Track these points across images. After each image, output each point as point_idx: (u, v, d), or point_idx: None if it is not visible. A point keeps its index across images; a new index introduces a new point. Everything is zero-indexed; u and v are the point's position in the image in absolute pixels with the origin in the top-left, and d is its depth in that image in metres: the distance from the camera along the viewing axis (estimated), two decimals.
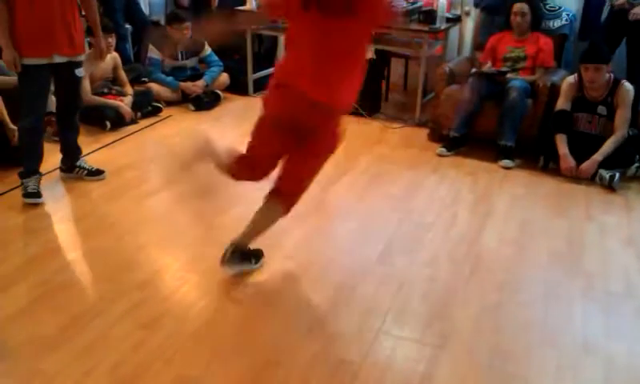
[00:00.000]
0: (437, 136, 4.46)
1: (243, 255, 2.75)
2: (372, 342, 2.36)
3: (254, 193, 3.60)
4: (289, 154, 2.62)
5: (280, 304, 2.61)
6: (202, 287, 2.70)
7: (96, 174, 3.70)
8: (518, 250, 3.07)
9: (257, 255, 2.83)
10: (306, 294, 2.67)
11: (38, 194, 3.36)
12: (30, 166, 3.39)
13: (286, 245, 3.06)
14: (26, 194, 3.35)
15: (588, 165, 3.80)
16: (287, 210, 2.70)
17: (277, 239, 3.08)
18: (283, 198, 2.67)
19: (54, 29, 3.16)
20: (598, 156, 3.80)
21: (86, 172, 3.69)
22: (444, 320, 2.51)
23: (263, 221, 2.73)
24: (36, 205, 3.34)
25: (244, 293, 2.66)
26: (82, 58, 3.41)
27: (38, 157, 3.42)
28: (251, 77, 5.48)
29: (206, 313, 2.51)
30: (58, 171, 3.74)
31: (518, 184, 3.82)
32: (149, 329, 2.39)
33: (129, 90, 4.73)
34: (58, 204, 3.48)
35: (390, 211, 3.45)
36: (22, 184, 3.39)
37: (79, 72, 3.42)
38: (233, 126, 4.79)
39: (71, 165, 3.68)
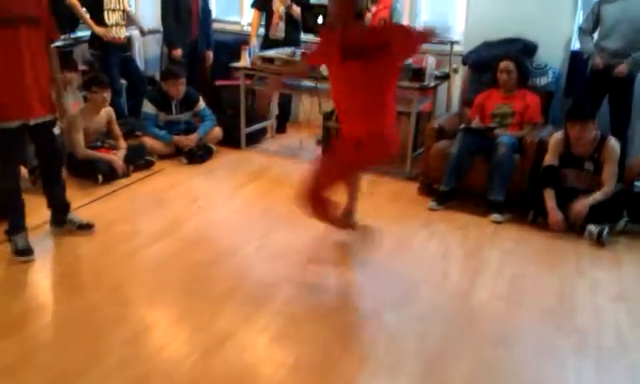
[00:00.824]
0: (427, 190, 4.50)
1: None
2: None
3: (247, 245, 3.62)
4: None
5: (270, 363, 2.58)
6: (191, 343, 2.67)
7: (86, 227, 3.68)
8: (509, 305, 3.06)
9: None
10: (297, 351, 2.64)
11: (29, 251, 3.33)
12: (14, 222, 3.36)
13: (276, 298, 3.04)
14: (18, 252, 3.31)
15: (580, 206, 3.84)
16: None
17: (268, 292, 3.07)
18: None
19: (26, 91, 3.13)
20: (590, 199, 3.85)
21: (76, 226, 3.67)
22: (437, 377, 2.48)
23: None
24: (26, 261, 3.30)
25: (233, 352, 2.62)
26: (55, 116, 3.39)
27: (21, 213, 3.37)
28: (244, 131, 5.54)
29: (194, 371, 2.47)
30: (47, 224, 3.71)
31: (507, 239, 3.84)
32: None
33: (122, 143, 4.76)
34: (47, 258, 3.45)
35: (381, 265, 3.45)
36: (11, 241, 3.35)
37: (56, 129, 3.41)
38: (225, 179, 4.82)
39: (61, 219, 3.66)
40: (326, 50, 3.14)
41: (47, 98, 3.29)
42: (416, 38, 3.07)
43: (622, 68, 4.39)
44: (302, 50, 5.14)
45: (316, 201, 3.08)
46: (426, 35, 3.08)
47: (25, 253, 3.31)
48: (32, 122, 3.21)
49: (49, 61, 3.33)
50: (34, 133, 3.29)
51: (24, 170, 3.91)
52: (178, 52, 5.60)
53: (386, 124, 3.11)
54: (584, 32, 4.61)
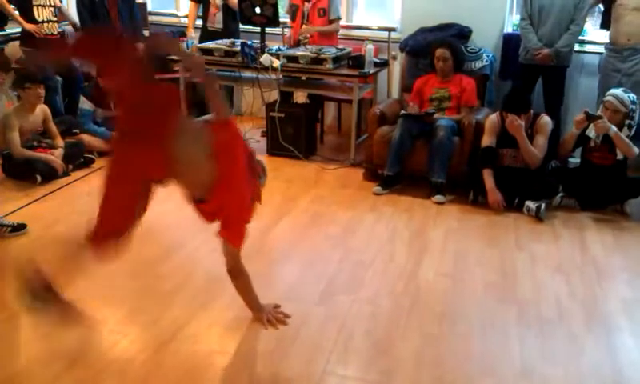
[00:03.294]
0: (372, 175, 4.57)
1: None
2: None
3: (193, 241, 3.59)
4: None
5: (222, 354, 2.57)
6: (142, 339, 2.64)
7: (18, 229, 3.57)
8: (454, 282, 3.16)
9: None
10: (249, 341, 2.65)
11: None
12: None
13: (225, 291, 3.02)
14: None
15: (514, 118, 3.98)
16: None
17: (216, 285, 3.06)
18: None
19: None
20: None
21: (9, 229, 3.55)
22: (387, 356, 2.54)
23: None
24: None
25: (184, 345, 2.60)
26: None
27: None
28: None
29: (146, 366, 2.45)
30: None
31: (451, 218, 3.95)
32: None
33: (59, 142, 4.62)
34: None
35: (329, 251, 3.49)
36: None
37: None
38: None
39: None
40: None
41: None
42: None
43: (546, 57, 4.56)
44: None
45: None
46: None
47: None
48: None
49: None
50: None
51: None
52: None
53: None
54: (525, 24, 4.68)
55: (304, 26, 5.29)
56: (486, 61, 4.85)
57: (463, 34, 5.01)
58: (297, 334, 2.69)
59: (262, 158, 5.05)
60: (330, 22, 5.30)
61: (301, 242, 3.62)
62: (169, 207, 4.05)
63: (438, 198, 4.20)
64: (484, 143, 4.16)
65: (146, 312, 2.82)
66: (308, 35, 5.22)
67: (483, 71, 4.83)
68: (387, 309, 2.90)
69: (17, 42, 5.44)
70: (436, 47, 4.60)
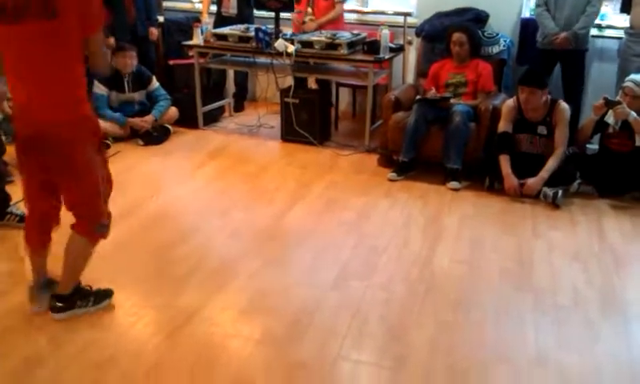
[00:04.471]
0: (387, 161, 4.54)
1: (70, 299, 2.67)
2: (331, 368, 2.37)
3: (208, 223, 3.60)
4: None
5: (237, 337, 2.58)
6: (156, 323, 2.65)
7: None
8: (469, 268, 3.14)
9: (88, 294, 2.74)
10: (264, 324, 2.65)
11: None
12: None
13: (240, 275, 3.04)
14: None
15: (534, 181, 3.94)
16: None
17: (231, 269, 3.07)
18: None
19: None
20: (544, 173, 3.94)
21: (17, 218, 3.53)
22: (401, 342, 2.53)
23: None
24: None
25: (199, 329, 2.62)
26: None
27: None
28: (200, 110, 5.47)
29: (160, 349, 2.46)
30: None
31: (466, 205, 3.92)
32: (102, 369, 2.34)
33: None
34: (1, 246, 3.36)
35: (343, 237, 3.48)
36: None
37: None
38: (183, 159, 4.76)
39: (1, 211, 3.53)
40: None
41: None
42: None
43: (564, 41, 4.49)
44: None
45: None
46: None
47: None
48: None
49: None
50: None
51: None
52: (111, 40, 5.37)
53: None
54: (542, 10, 4.61)
55: (310, 23, 5.25)
56: (503, 46, 4.79)
57: (480, 18, 4.94)
58: (311, 318, 2.69)
59: (277, 143, 5.07)
60: (335, 4, 5.28)
61: (315, 227, 3.62)
62: (183, 192, 4.08)
63: (454, 184, 4.16)
64: (500, 128, 4.11)
65: (161, 295, 2.83)
66: (309, 18, 5.20)
67: (500, 56, 4.77)
68: (401, 295, 2.89)
69: None
70: (452, 31, 4.55)
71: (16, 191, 3.58)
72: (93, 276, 2.97)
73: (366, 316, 2.71)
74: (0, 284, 2.96)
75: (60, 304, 2.64)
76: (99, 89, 5.00)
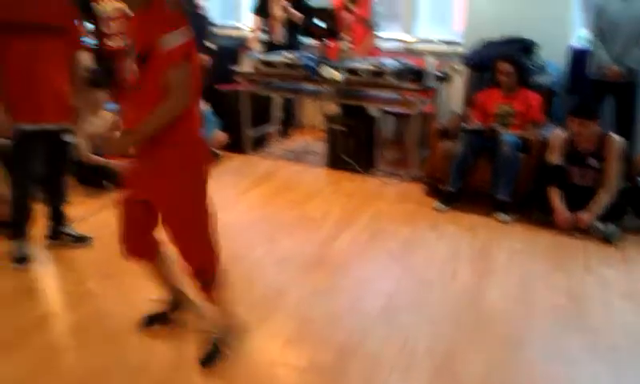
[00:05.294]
0: (433, 191, 4.51)
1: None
2: None
3: (255, 250, 3.62)
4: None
5: (284, 366, 2.58)
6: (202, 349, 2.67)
7: (81, 240, 3.65)
8: (519, 304, 3.08)
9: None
10: (310, 353, 2.65)
11: (27, 259, 3.33)
12: (16, 226, 3.37)
13: (287, 302, 3.05)
14: (16, 260, 3.32)
15: (585, 215, 3.85)
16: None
17: (278, 296, 3.08)
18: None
19: (41, 95, 3.14)
20: (595, 207, 3.85)
21: (72, 238, 3.64)
22: (449, 377, 2.49)
23: None
24: (27, 269, 3.30)
25: (245, 356, 2.62)
26: (71, 124, 3.40)
27: (25, 219, 3.37)
28: (248, 135, 5.55)
29: (209, 372, 2.48)
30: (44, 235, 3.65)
31: (515, 238, 3.86)
32: None
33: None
34: (55, 266, 3.43)
35: (390, 267, 3.47)
36: (12, 248, 3.35)
37: (68, 138, 3.42)
38: (230, 184, 4.83)
39: (57, 231, 3.63)
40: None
41: (63, 106, 3.26)
42: None
43: (616, 73, 4.41)
44: None
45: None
46: None
47: (22, 261, 3.32)
48: (45, 128, 3.22)
49: (72, 70, 3.30)
50: (46, 138, 3.29)
51: None
52: None
53: None
54: (595, 40, 4.53)
55: (350, 50, 5.30)
56: (552, 76, 4.73)
57: (529, 47, 4.89)
58: (357, 348, 2.67)
59: (322, 170, 5.09)
60: (371, 31, 5.33)
61: (361, 256, 3.61)
62: (229, 217, 4.13)
63: (503, 216, 4.11)
64: (551, 160, 4.04)
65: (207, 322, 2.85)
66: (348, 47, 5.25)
67: (549, 86, 4.71)
68: (450, 329, 2.85)
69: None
70: (499, 61, 4.52)
71: (71, 211, 3.71)
72: (141, 299, 3.02)
73: (414, 349, 2.68)
74: (68, 297, 3.04)
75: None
76: None
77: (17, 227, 3.38)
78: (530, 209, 4.12)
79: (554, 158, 4.04)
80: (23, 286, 3.19)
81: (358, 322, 2.89)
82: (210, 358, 2.55)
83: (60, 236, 3.64)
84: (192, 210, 2.43)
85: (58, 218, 3.63)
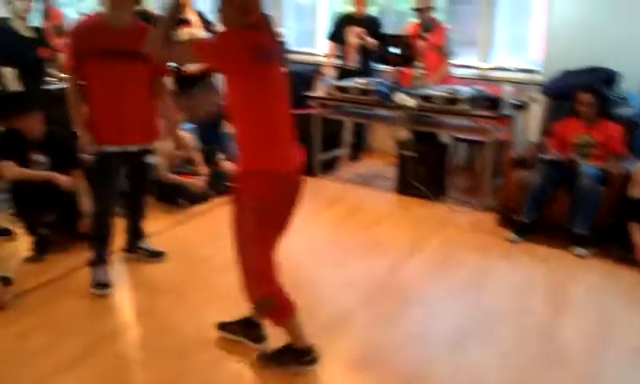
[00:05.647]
0: (506, 221, 4.40)
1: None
2: None
3: (323, 272, 3.62)
4: None
5: None
6: (268, 374, 2.68)
7: (156, 255, 3.77)
8: (597, 344, 2.94)
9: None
10: (375, 380, 2.62)
11: (106, 285, 3.37)
12: (97, 252, 3.42)
13: (354, 327, 3.04)
14: (95, 285, 3.37)
15: None
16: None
17: (345, 320, 3.08)
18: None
19: (125, 119, 3.22)
20: None
21: (147, 253, 3.77)
22: None
23: None
24: (106, 295, 3.34)
25: (311, 378, 2.63)
26: (154, 145, 3.51)
27: (106, 243, 3.43)
28: (318, 158, 5.61)
29: None
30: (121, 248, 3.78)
31: (593, 273, 3.70)
32: None
33: (202, 169, 4.92)
34: (124, 281, 3.53)
35: (460, 297, 3.39)
36: (92, 273, 3.40)
37: (151, 159, 3.54)
38: (300, 206, 4.86)
39: (134, 245, 3.77)
40: (231, 50, 2.33)
41: (147, 128, 3.38)
42: None
43: None
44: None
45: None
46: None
47: (101, 286, 3.36)
48: (129, 150, 3.31)
49: (159, 94, 3.42)
50: (129, 159, 3.39)
51: None
52: None
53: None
54: None
55: (423, 78, 5.27)
56: (635, 107, 4.54)
57: (611, 78, 4.72)
58: (424, 378, 2.63)
59: (392, 195, 5.07)
60: (445, 58, 5.28)
61: (430, 284, 3.56)
62: (298, 239, 4.16)
63: (580, 250, 3.95)
64: (633, 195, 3.87)
65: (276, 340, 2.87)
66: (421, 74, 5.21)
67: (631, 118, 4.52)
68: (522, 365, 2.75)
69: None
70: (579, 91, 4.38)
71: (147, 226, 3.85)
72: (210, 317, 3.08)
73: (482, 382, 2.60)
74: (138, 312, 3.14)
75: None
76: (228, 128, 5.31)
77: (96, 253, 3.42)
78: (608, 244, 3.94)
79: (637, 192, 3.86)
80: (99, 299, 3.30)
81: (426, 351, 2.84)
82: (270, 358, 2.66)
83: (136, 250, 3.78)
84: (243, 239, 2.59)
85: (135, 233, 3.77)
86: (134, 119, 3.26)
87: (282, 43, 5.89)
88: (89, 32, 3.17)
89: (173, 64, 5.56)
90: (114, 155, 3.29)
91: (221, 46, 2.37)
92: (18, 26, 4.24)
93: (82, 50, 3.12)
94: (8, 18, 4.45)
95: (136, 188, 3.64)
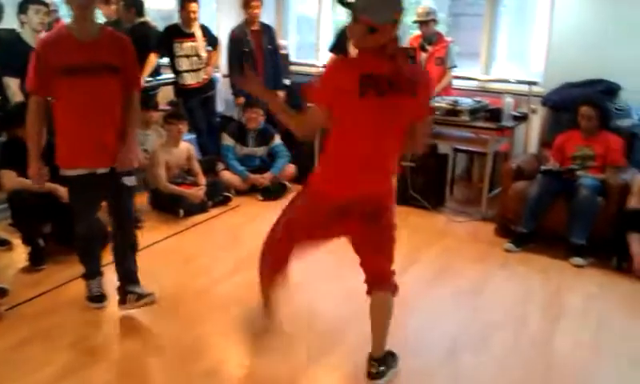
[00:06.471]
0: (504, 231, 4.39)
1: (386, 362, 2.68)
2: None
3: (315, 285, 3.63)
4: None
5: None
6: (265, 378, 2.69)
7: (146, 297, 3.20)
8: (594, 354, 2.93)
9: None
10: None
11: (101, 298, 3.29)
12: (90, 268, 3.30)
13: (349, 338, 3.03)
14: (90, 298, 3.29)
15: None
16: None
17: (340, 332, 3.07)
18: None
19: (94, 139, 2.94)
20: None
21: (136, 297, 3.18)
22: None
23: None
24: (103, 307, 3.27)
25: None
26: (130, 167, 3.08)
27: (97, 258, 3.32)
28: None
29: None
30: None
31: (591, 283, 3.69)
32: None
33: (202, 179, 4.93)
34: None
35: (456, 307, 3.39)
36: (87, 287, 3.32)
37: (129, 181, 3.08)
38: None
39: (125, 291, 3.22)
40: (337, 83, 2.34)
41: (117, 148, 3.00)
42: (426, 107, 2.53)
43: None
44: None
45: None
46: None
47: (97, 299, 3.28)
48: (100, 172, 3.00)
49: (129, 111, 3.06)
50: (104, 181, 3.03)
51: None
52: (241, 100, 5.71)
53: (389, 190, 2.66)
54: None
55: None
56: (635, 119, 4.54)
57: (611, 90, 4.73)
58: None
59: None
60: (445, 71, 5.31)
61: (426, 294, 3.55)
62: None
63: (577, 260, 3.94)
64: (631, 205, 3.87)
65: (272, 350, 2.87)
66: None
67: (631, 130, 4.52)
68: (518, 375, 2.74)
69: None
70: (580, 104, 4.39)
71: (144, 236, 3.86)
72: (207, 328, 3.09)
73: None
74: (136, 321, 3.14)
75: (382, 367, 2.65)
76: (227, 140, 5.37)
77: (87, 268, 3.30)
78: (606, 254, 3.93)
79: (635, 202, 3.86)
80: (92, 310, 3.28)
81: (422, 363, 2.83)
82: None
83: (126, 297, 3.21)
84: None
85: (129, 280, 3.24)
86: (104, 139, 2.96)
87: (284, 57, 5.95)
88: (54, 47, 2.87)
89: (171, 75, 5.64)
90: (84, 178, 3.00)
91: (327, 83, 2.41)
92: (28, 38, 4.22)
93: (47, 67, 2.82)
94: (20, 31, 4.42)
95: (118, 222, 3.16)
